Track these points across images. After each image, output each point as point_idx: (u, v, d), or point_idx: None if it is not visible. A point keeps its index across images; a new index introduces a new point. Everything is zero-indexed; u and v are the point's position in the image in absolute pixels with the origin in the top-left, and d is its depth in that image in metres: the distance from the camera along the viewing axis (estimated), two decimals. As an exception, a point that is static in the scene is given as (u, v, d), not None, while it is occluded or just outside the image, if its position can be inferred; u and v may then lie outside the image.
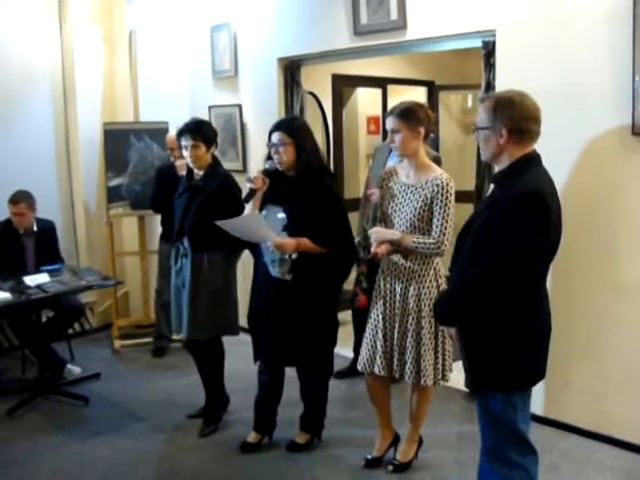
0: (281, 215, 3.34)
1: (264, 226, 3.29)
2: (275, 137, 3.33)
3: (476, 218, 2.41)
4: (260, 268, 3.51)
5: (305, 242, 3.27)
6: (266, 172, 3.41)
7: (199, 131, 3.70)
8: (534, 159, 2.37)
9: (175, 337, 5.47)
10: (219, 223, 3.33)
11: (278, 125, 3.39)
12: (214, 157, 3.84)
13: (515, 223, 2.20)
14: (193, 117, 4.00)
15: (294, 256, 3.30)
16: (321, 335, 3.44)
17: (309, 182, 3.32)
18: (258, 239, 3.39)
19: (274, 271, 3.40)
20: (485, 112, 2.35)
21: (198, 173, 3.82)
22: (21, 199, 4.71)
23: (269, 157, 3.42)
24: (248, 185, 3.38)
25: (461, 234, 2.47)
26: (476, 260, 2.29)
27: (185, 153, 3.74)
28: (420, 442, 3.51)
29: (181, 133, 3.74)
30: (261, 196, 3.40)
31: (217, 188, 3.68)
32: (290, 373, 3.64)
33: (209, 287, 3.71)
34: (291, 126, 3.36)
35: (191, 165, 3.79)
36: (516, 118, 2.30)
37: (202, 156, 3.72)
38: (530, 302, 2.35)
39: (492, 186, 2.52)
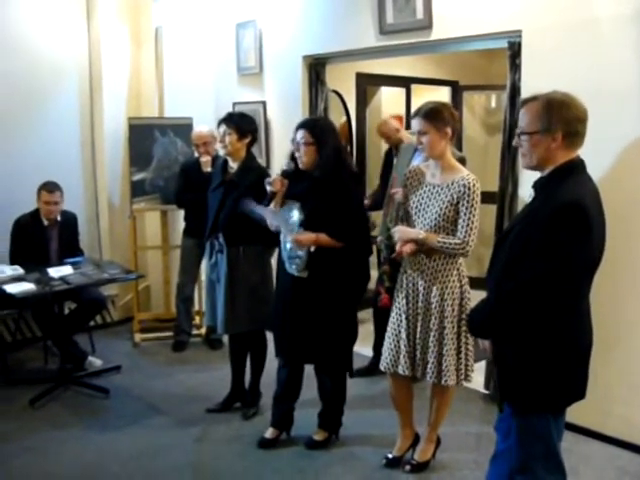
0: (295, 212, 3.37)
1: (284, 222, 3.35)
2: (298, 135, 3.37)
3: (514, 227, 2.28)
4: (281, 264, 3.53)
5: (323, 237, 3.29)
6: (284, 173, 3.45)
7: (232, 120, 3.81)
8: (578, 166, 2.22)
9: (195, 332, 5.53)
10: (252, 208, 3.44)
11: (303, 123, 3.43)
12: (249, 151, 3.87)
13: (553, 236, 2.06)
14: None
15: (312, 249, 3.31)
16: (339, 332, 3.44)
17: (328, 181, 3.32)
18: (282, 230, 3.42)
19: (291, 269, 3.42)
20: (534, 114, 2.18)
21: (232, 167, 3.85)
22: (56, 187, 4.78)
23: (292, 155, 3.44)
24: (267, 188, 3.41)
25: (497, 243, 2.36)
26: (511, 273, 2.17)
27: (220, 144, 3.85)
28: (438, 442, 3.51)
29: (220, 122, 3.84)
30: (280, 198, 3.42)
31: (252, 183, 3.68)
32: (309, 371, 3.65)
33: (247, 281, 3.76)
34: (314, 126, 3.40)
35: (222, 152, 3.87)
36: (571, 120, 2.16)
37: (233, 144, 3.77)
38: (568, 319, 2.20)
39: (532, 192, 2.35)
